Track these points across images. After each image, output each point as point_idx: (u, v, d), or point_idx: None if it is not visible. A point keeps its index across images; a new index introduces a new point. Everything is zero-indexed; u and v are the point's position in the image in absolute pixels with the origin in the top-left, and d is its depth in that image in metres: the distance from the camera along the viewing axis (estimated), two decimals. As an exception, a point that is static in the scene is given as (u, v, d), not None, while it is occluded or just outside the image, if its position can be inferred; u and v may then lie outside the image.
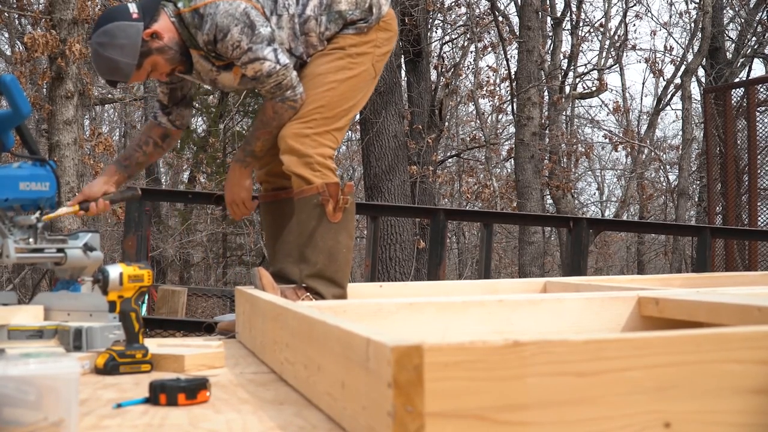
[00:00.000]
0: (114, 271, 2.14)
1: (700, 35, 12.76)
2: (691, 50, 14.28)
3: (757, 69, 15.26)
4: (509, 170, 15.75)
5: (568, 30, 14.66)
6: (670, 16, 27.19)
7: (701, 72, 14.57)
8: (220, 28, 2.54)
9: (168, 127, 2.90)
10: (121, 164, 2.87)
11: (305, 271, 2.64)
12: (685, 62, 14.19)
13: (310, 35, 2.69)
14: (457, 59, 13.92)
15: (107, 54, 2.54)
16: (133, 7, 2.59)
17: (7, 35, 11.71)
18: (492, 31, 13.31)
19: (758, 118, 8.30)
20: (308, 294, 2.65)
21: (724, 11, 14.32)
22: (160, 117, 2.90)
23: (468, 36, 12.98)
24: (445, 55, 13.89)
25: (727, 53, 14.12)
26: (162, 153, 2.97)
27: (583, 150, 15.55)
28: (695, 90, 15.06)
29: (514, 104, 11.63)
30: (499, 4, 12.77)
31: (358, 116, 7.21)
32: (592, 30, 15.32)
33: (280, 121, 2.66)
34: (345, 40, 2.71)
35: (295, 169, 2.62)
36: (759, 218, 8.19)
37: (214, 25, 2.54)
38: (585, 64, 15.47)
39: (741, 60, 14.13)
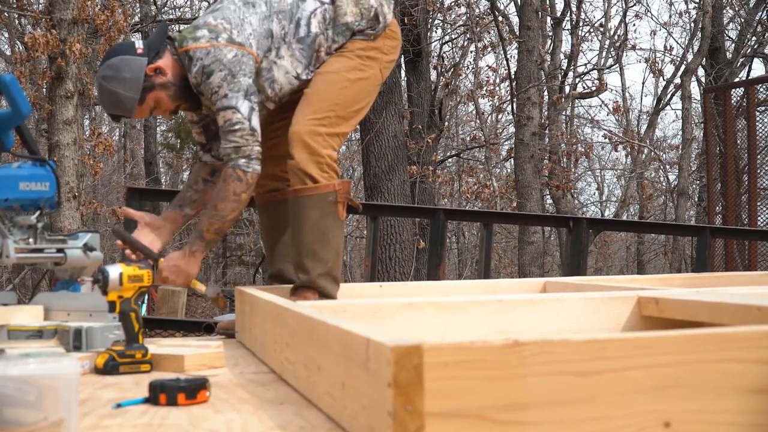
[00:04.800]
0: (114, 271, 2.14)
1: (700, 35, 12.76)
2: (691, 50, 14.29)
3: (757, 69, 15.29)
4: (509, 170, 15.75)
5: (568, 30, 14.67)
6: (670, 16, 27.18)
7: (701, 72, 14.57)
8: (205, 72, 2.55)
9: (214, 162, 2.85)
10: (175, 205, 2.81)
11: (317, 269, 2.62)
12: (685, 62, 14.19)
13: (319, 51, 2.69)
14: (457, 59, 13.93)
15: (110, 87, 2.55)
16: (138, 43, 2.60)
17: (7, 35, 11.71)
18: (492, 31, 13.31)
19: (758, 118, 8.30)
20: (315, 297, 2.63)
21: (724, 11, 14.31)
22: (204, 157, 2.87)
23: (468, 36, 12.99)
24: (445, 55, 13.91)
25: (727, 53, 14.11)
26: (213, 189, 2.85)
27: (583, 150, 15.55)
28: (695, 90, 15.07)
29: (514, 104, 11.63)
30: (499, 4, 12.77)
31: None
32: (592, 30, 15.33)
33: (225, 193, 2.58)
34: (353, 45, 2.71)
35: (305, 166, 2.59)
36: (759, 218, 8.19)
37: (201, 68, 2.55)
38: (585, 64, 15.49)
39: (741, 60, 14.13)
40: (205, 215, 2.65)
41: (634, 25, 32.61)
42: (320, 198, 2.61)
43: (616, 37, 15.29)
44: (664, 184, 16.95)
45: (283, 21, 2.65)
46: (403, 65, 11.01)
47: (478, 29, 12.30)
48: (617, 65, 15.85)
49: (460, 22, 13.06)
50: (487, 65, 15.33)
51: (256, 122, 2.59)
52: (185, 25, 2.63)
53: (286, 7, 2.66)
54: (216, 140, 2.84)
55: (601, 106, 24.55)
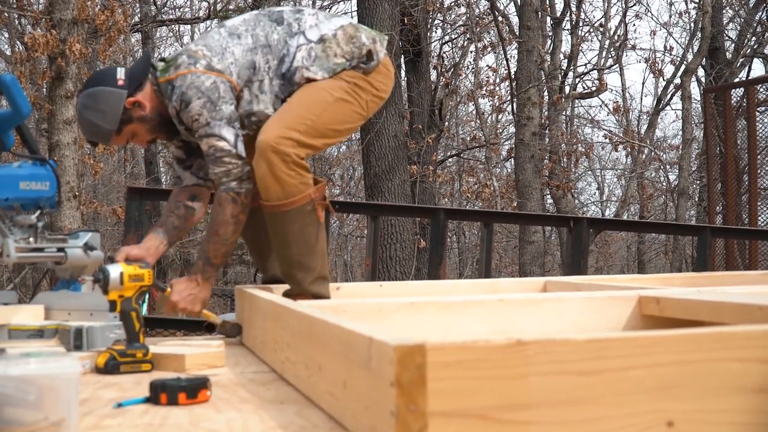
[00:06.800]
0: (114, 270, 2.14)
1: (699, 35, 12.76)
2: (690, 50, 14.28)
3: (757, 69, 15.28)
4: (509, 170, 15.74)
5: (567, 30, 14.66)
6: (670, 16, 27.20)
7: (701, 72, 14.57)
8: (184, 100, 2.51)
9: (193, 182, 2.79)
10: (157, 231, 2.73)
11: (308, 278, 2.61)
12: (684, 62, 14.19)
13: (301, 82, 2.64)
14: (457, 59, 13.92)
15: (88, 116, 2.56)
16: (120, 73, 2.57)
17: (7, 35, 11.71)
18: (492, 31, 13.30)
19: (758, 118, 8.30)
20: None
21: (724, 11, 14.31)
22: (183, 175, 2.81)
23: (468, 36, 12.98)
24: (445, 55, 13.90)
25: (727, 53, 14.11)
26: (194, 215, 2.80)
27: (583, 150, 15.54)
28: (695, 90, 15.06)
29: (514, 104, 11.63)
30: (498, 4, 12.77)
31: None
32: (591, 30, 15.33)
33: (223, 217, 2.57)
34: (345, 73, 2.66)
35: (273, 171, 2.50)
36: (759, 218, 8.18)
37: (180, 96, 2.52)
38: (585, 64, 15.48)
39: (741, 60, 14.13)
40: (208, 242, 2.62)
41: (634, 25, 32.60)
42: (298, 211, 2.55)
43: (616, 37, 15.29)
44: (664, 184, 16.95)
45: (267, 55, 2.62)
46: (403, 65, 11.01)
47: (478, 29, 12.30)
48: (617, 65, 15.85)
49: (460, 22, 13.06)
50: (487, 65, 15.34)
51: (241, 148, 2.57)
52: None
53: (273, 43, 2.63)
54: (197, 157, 2.80)
55: (601, 106, 24.55)
